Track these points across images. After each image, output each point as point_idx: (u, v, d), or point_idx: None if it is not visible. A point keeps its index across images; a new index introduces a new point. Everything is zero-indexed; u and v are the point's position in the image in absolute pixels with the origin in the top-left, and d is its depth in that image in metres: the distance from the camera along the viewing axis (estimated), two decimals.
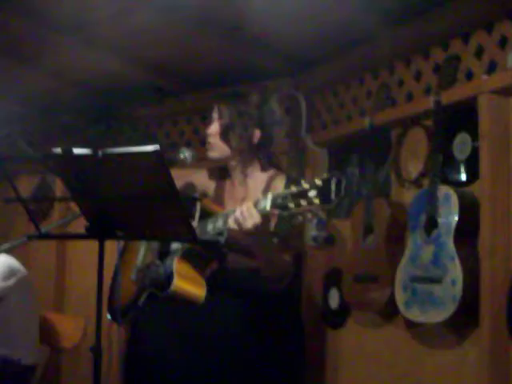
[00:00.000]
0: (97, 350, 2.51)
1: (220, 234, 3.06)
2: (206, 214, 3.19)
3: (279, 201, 2.71)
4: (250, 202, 2.87)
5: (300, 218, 2.71)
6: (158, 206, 2.46)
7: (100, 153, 2.39)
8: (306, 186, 2.61)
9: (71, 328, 4.69)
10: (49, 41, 4.24)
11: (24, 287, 4.25)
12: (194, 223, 3.12)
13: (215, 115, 3.36)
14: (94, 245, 2.61)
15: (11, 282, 4.10)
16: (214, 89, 4.46)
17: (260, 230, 2.89)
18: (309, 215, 2.65)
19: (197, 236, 2.69)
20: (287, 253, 3.19)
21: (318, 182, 2.58)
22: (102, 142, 5.13)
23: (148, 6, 3.77)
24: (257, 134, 3.28)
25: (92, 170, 2.44)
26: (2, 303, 4.08)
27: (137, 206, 2.50)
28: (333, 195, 2.54)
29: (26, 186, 5.65)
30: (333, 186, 2.55)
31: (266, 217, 2.86)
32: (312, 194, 2.58)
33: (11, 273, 4.13)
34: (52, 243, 5.49)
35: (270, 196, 2.77)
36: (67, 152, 2.42)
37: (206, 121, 3.44)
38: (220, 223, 3.05)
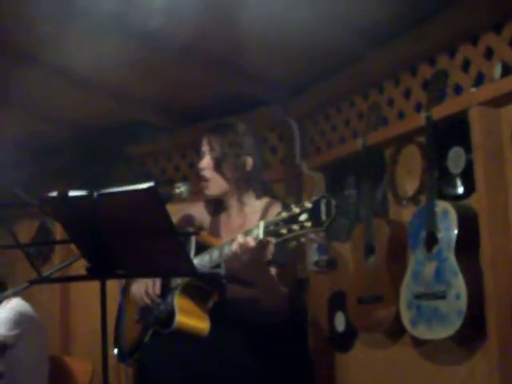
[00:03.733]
0: None
1: (217, 266, 3.06)
2: (202, 248, 3.19)
3: (271, 228, 2.70)
4: (241, 234, 2.86)
5: (294, 243, 2.69)
6: (156, 242, 2.46)
7: (95, 194, 2.39)
8: (296, 210, 2.61)
9: (79, 371, 4.68)
10: (36, 83, 4.24)
11: (34, 333, 4.25)
12: (191, 256, 3.12)
13: (206, 148, 3.37)
14: (96, 285, 2.60)
15: (17, 331, 4.09)
16: (207, 121, 4.47)
17: (257, 259, 2.88)
18: (303, 240, 2.64)
19: (196, 270, 2.69)
20: (287, 283, 3.18)
21: (308, 204, 2.58)
22: (98, 183, 5.13)
23: (134, 42, 3.78)
24: (249, 161, 3.30)
25: (88, 210, 2.44)
26: (11, 350, 4.08)
27: (135, 244, 2.49)
28: (323, 216, 2.53)
29: (27, 229, 5.66)
30: (323, 208, 2.54)
31: (261, 246, 2.85)
32: (303, 217, 2.58)
33: (19, 321, 4.12)
34: (55, 285, 5.48)
35: (262, 224, 2.77)
36: (63, 195, 2.43)
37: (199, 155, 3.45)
38: (216, 255, 3.05)
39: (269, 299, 3.08)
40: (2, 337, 4.04)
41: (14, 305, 4.13)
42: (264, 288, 3.03)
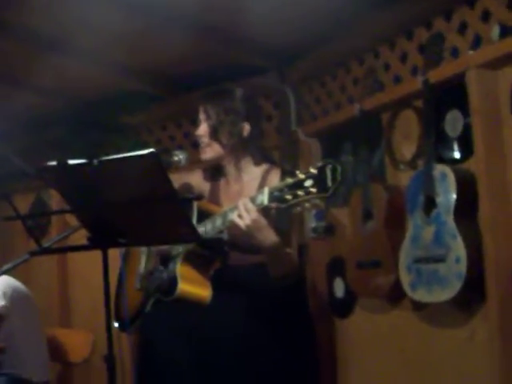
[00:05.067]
0: (110, 359, 2.51)
1: (220, 233, 3.06)
2: (204, 215, 3.19)
3: (276, 194, 2.70)
4: (247, 198, 2.87)
5: (299, 209, 2.69)
6: (158, 208, 2.46)
7: (95, 161, 2.39)
8: (301, 176, 2.61)
9: (80, 342, 4.70)
10: (30, 55, 4.22)
11: (25, 306, 4.24)
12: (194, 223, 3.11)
13: (202, 116, 3.36)
14: (94, 256, 2.60)
15: (5, 302, 4.08)
16: (201, 90, 4.45)
17: (261, 225, 2.88)
18: (307, 205, 2.64)
19: (200, 235, 2.69)
20: (290, 247, 3.19)
21: (314, 170, 2.58)
22: (93, 154, 5.11)
23: (127, 11, 3.75)
24: (246, 127, 3.29)
25: (89, 179, 2.44)
26: (4, 324, 4.07)
27: (137, 211, 2.49)
28: (329, 182, 2.54)
29: (22, 204, 5.63)
30: (328, 173, 2.54)
31: (264, 212, 2.85)
32: (308, 183, 2.58)
33: (8, 294, 4.12)
34: (53, 259, 5.47)
35: (266, 190, 2.76)
36: (62, 164, 2.42)
37: (196, 123, 3.44)
38: (219, 222, 3.05)
39: (276, 264, 3.07)
40: None
41: (1, 280, 4.12)
42: (269, 253, 3.02)
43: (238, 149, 3.33)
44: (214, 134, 3.31)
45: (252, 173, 3.34)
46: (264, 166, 3.34)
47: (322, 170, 2.56)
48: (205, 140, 3.34)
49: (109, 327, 2.53)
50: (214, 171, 3.47)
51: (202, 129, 3.35)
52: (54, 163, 2.43)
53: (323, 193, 2.55)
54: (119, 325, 3.39)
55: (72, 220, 4.58)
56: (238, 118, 3.30)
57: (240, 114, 3.30)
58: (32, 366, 4.19)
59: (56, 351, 4.59)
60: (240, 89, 3.39)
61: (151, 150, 2.31)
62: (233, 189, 3.37)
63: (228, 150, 3.32)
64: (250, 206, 2.82)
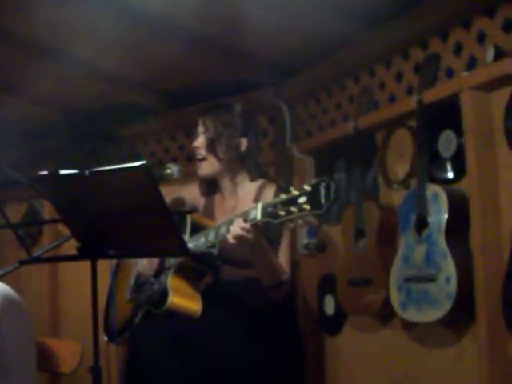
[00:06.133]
0: (96, 370, 2.50)
1: (212, 246, 3.07)
2: (197, 229, 3.20)
3: (269, 209, 2.71)
4: (240, 219, 2.87)
5: (291, 225, 2.70)
6: (148, 221, 2.46)
7: (87, 172, 2.39)
8: (295, 192, 2.62)
9: (68, 353, 4.66)
10: (27, 65, 4.23)
11: (16, 315, 4.22)
12: (186, 237, 3.12)
13: (200, 128, 3.37)
14: (85, 267, 2.61)
15: None
16: (197, 104, 4.47)
17: (255, 241, 2.89)
18: (300, 222, 2.65)
19: (189, 249, 2.68)
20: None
21: (307, 187, 2.59)
22: (87, 164, 5.12)
23: (126, 24, 3.76)
24: (243, 142, 3.30)
25: (80, 189, 2.45)
26: None
27: (127, 223, 2.50)
28: (323, 200, 2.54)
29: (14, 213, 5.62)
30: (322, 191, 2.55)
31: (258, 226, 2.86)
32: (302, 200, 2.58)
33: None
34: (44, 268, 5.46)
35: (260, 206, 2.77)
36: (54, 173, 2.42)
37: (192, 136, 3.45)
38: (212, 236, 3.05)
39: (268, 277, 3.08)
40: None
41: None
42: (263, 268, 3.03)
43: (235, 164, 3.34)
44: (212, 147, 3.32)
45: (247, 188, 3.35)
46: (259, 182, 3.35)
47: (315, 187, 2.57)
48: (202, 152, 3.35)
49: (96, 338, 2.53)
50: (209, 185, 3.47)
51: (200, 141, 3.36)
52: (45, 173, 2.43)
53: (316, 210, 2.55)
54: (107, 336, 3.39)
55: (64, 229, 4.57)
56: (235, 132, 3.31)
57: (238, 128, 3.32)
58: (18, 377, 4.16)
59: (44, 361, 4.56)
60: (239, 104, 3.40)
61: (142, 162, 2.31)
62: (228, 204, 3.38)
63: (225, 165, 3.33)
64: (244, 225, 2.82)
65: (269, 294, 3.14)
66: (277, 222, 2.68)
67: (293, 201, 2.61)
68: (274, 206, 2.68)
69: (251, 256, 3.00)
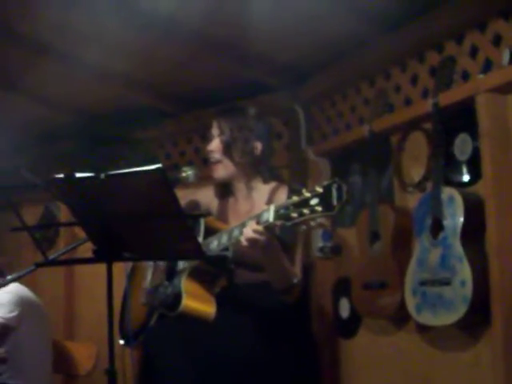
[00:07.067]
0: (112, 372, 2.51)
1: (225, 249, 3.07)
2: (210, 232, 3.20)
3: (282, 212, 2.70)
4: (253, 221, 2.87)
5: (304, 227, 2.70)
6: (163, 224, 2.47)
7: (102, 175, 2.40)
8: (307, 194, 2.61)
9: (84, 355, 4.67)
10: (42, 69, 4.25)
11: (35, 316, 4.24)
12: (200, 240, 3.12)
13: (215, 132, 3.37)
14: (101, 270, 2.61)
15: (16, 312, 4.08)
16: (212, 107, 4.47)
17: (267, 243, 2.89)
18: (313, 224, 2.65)
19: (203, 252, 2.69)
20: (294, 262, 3.20)
21: (319, 189, 2.58)
22: (104, 167, 5.12)
23: (141, 27, 3.78)
24: (258, 146, 3.30)
25: (95, 192, 2.45)
26: (12, 334, 4.07)
27: (142, 226, 2.51)
28: (334, 201, 2.54)
29: (31, 215, 5.64)
30: (334, 192, 2.54)
31: (270, 229, 2.86)
32: (314, 201, 2.58)
33: (18, 303, 4.11)
34: (60, 271, 5.49)
35: (272, 208, 2.77)
36: (70, 177, 2.43)
37: (207, 139, 3.45)
38: (225, 239, 3.05)
39: (279, 280, 3.08)
40: (3, 319, 4.03)
41: (13, 289, 4.12)
42: (275, 272, 3.03)
43: (250, 167, 3.34)
44: (227, 150, 3.31)
45: (261, 190, 3.35)
46: (272, 184, 3.35)
47: (327, 188, 2.56)
48: (216, 156, 3.35)
49: (111, 341, 2.53)
50: (224, 188, 3.47)
51: (215, 144, 3.36)
52: (61, 176, 2.44)
53: (328, 211, 2.55)
54: (123, 339, 3.39)
55: (80, 232, 4.58)
56: (250, 135, 3.31)
57: (253, 132, 3.31)
58: (34, 378, 4.18)
59: (60, 363, 4.57)
60: (254, 107, 3.40)
61: (158, 165, 2.32)
62: (242, 207, 3.37)
63: (239, 168, 3.33)
64: (258, 228, 2.82)
65: (280, 298, 3.13)
66: (289, 223, 2.68)
67: (305, 202, 2.61)
68: (287, 207, 2.68)
69: (263, 258, 3.00)
